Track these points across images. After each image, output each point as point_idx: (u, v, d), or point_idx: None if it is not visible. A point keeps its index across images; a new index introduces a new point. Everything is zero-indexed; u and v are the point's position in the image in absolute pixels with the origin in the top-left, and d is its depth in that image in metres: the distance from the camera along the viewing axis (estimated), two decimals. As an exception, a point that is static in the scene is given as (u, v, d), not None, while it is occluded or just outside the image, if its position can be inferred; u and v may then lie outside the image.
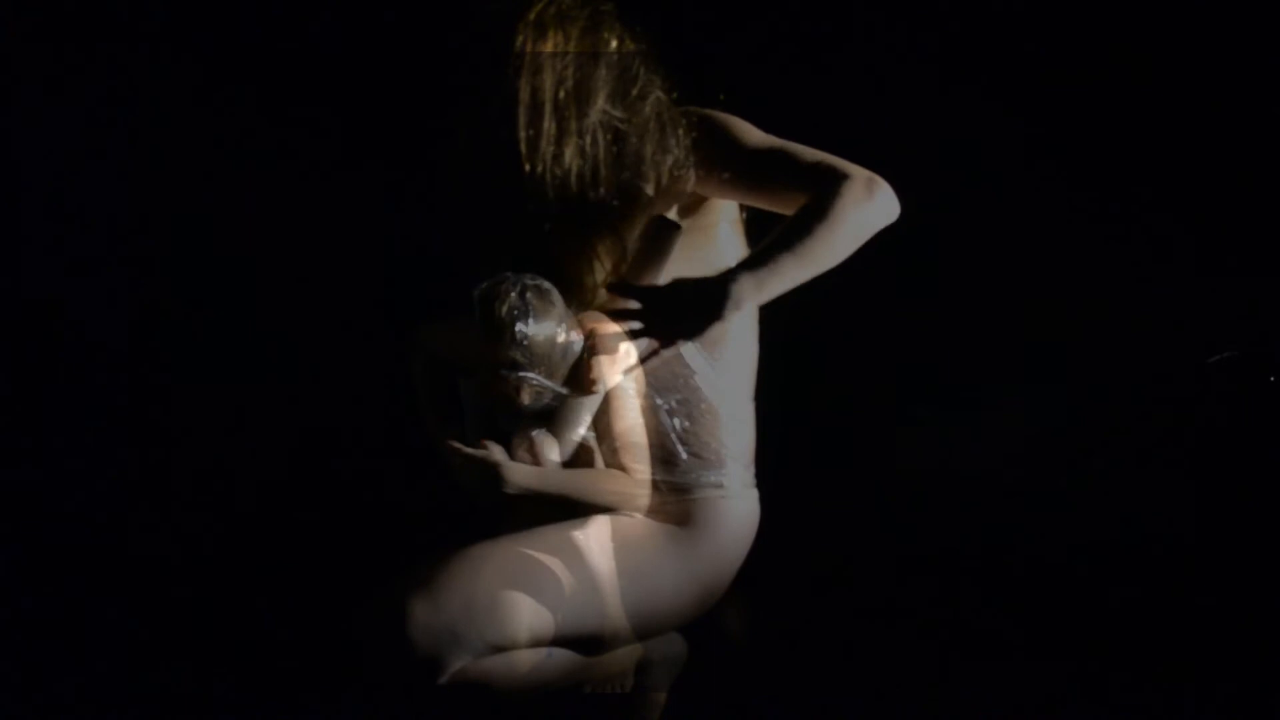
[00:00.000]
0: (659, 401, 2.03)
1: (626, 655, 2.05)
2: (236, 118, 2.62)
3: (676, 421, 2.03)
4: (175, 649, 2.52)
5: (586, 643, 1.95)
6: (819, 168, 1.92)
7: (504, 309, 1.91)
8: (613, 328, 1.97)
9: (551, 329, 1.93)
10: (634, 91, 1.99)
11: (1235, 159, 2.54)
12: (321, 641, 2.38)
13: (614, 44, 1.98)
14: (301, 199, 2.61)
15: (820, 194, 1.89)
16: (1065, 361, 2.60)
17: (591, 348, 1.97)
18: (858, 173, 1.91)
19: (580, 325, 1.98)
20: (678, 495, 2.03)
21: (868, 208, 1.89)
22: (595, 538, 1.96)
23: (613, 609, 1.95)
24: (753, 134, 2.00)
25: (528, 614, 1.88)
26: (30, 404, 2.64)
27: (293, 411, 2.66)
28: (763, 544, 2.11)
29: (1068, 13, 2.54)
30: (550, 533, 1.95)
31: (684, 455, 2.03)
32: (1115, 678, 2.36)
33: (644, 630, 1.99)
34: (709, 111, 2.03)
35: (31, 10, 2.57)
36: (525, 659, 1.89)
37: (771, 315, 2.24)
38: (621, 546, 1.97)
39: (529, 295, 1.92)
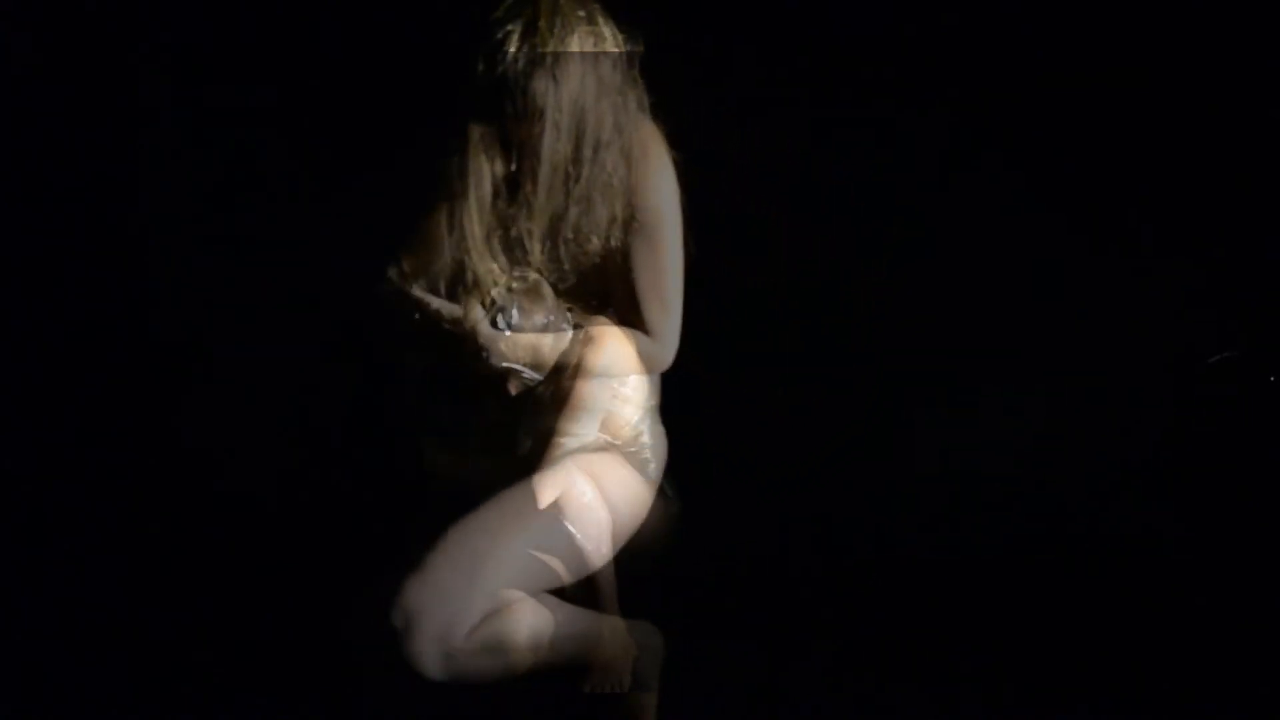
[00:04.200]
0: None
1: (623, 649, 2.07)
2: (231, 113, 2.62)
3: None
4: (176, 650, 2.52)
5: (577, 583, 1.99)
6: (648, 315, 2.01)
7: (490, 300, 1.91)
8: (611, 328, 1.97)
9: (539, 322, 1.93)
10: (633, 106, 2.00)
11: (1235, 159, 2.54)
12: (321, 640, 2.38)
13: (616, 54, 1.98)
14: (297, 196, 2.61)
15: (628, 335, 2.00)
16: (1063, 362, 2.60)
17: (582, 344, 1.97)
18: (660, 340, 2.02)
19: (576, 323, 1.99)
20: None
21: (630, 366, 2.00)
22: (553, 481, 1.98)
23: (592, 535, 1.97)
24: (661, 226, 2.01)
25: (514, 558, 1.90)
26: (27, 403, 2.64)
27: (289, 409, 2.66)
28: (757, 544, 2.12)
29: (1069, 10, 2.54)
30: (518, 487, 1.96)
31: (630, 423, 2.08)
32: (1112, 679, 2.36)
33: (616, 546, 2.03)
34: (653, 159, 2.02)
35: (27, 7, 2.58)
36: (528, 612, 1.92)
37: (772, 315, 2.26)
38: (576, 479, 2.00)
39: (516, 287, 1.93)
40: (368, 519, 2.48)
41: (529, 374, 1.94)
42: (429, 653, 1.85)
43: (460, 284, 1.95)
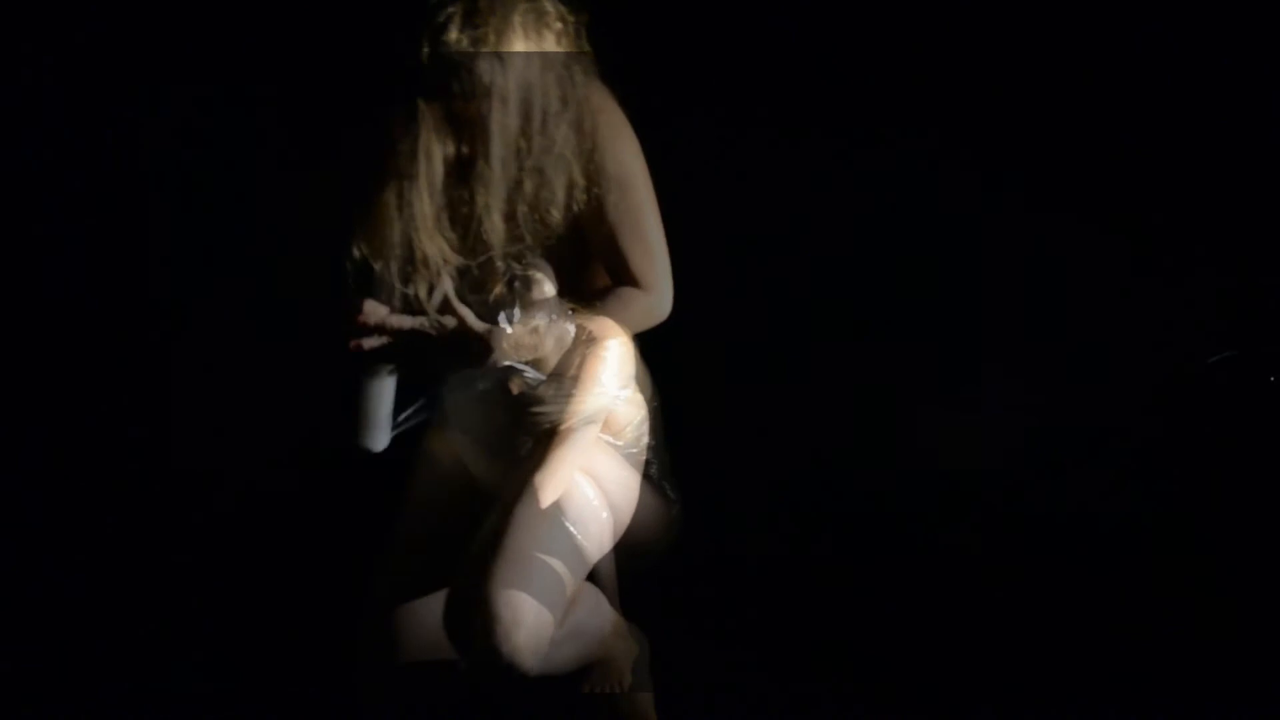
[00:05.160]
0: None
1: (624, 647, 2.08)
2: (222, 112, 2.63)
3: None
4: (176, 649, 2.53)
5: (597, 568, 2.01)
6: (636, 267, 2.02)
7: (491, 298, 1.91)
8: (612, 325, 1.97)
9: (540, 321, 1.93)
10: (579, 76, 2.00)
11: (1237, 160, 2.54)
12: (321, 639, 2.38)
13: (559, 27, 1.99)
14: (290, 194, 2.61)
15: (615, 295, 2.02)
16: (1062, 361, 2.61)
17: (585, 343, 1.97)
18: (654, 291, 2.03)
19: (578, 322, 1.98)
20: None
21: (630, 324, 2.01)
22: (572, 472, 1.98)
23: (593, 534, 1.97)
24: (632, 180, 2.02)
25: (574, 545, 1.91)
26: (26, 403, 2.64)
27: (289, 408, 2.66)
28: (757, 544, 2.12)
29: (1069, 11, 2.54)
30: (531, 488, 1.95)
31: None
32: (1111, 677, 2.36)
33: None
34: (609, 121, 2.02)
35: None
36: (590, 600, 1.97)
37: (772, 315, 2.26)
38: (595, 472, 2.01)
39: (517, 285, 1.93)
40: (366, 518, 2.48)
41: (531, 373, 1.94)
42: (531, 645, 1.82)
43: (410, 264, 1.95)
